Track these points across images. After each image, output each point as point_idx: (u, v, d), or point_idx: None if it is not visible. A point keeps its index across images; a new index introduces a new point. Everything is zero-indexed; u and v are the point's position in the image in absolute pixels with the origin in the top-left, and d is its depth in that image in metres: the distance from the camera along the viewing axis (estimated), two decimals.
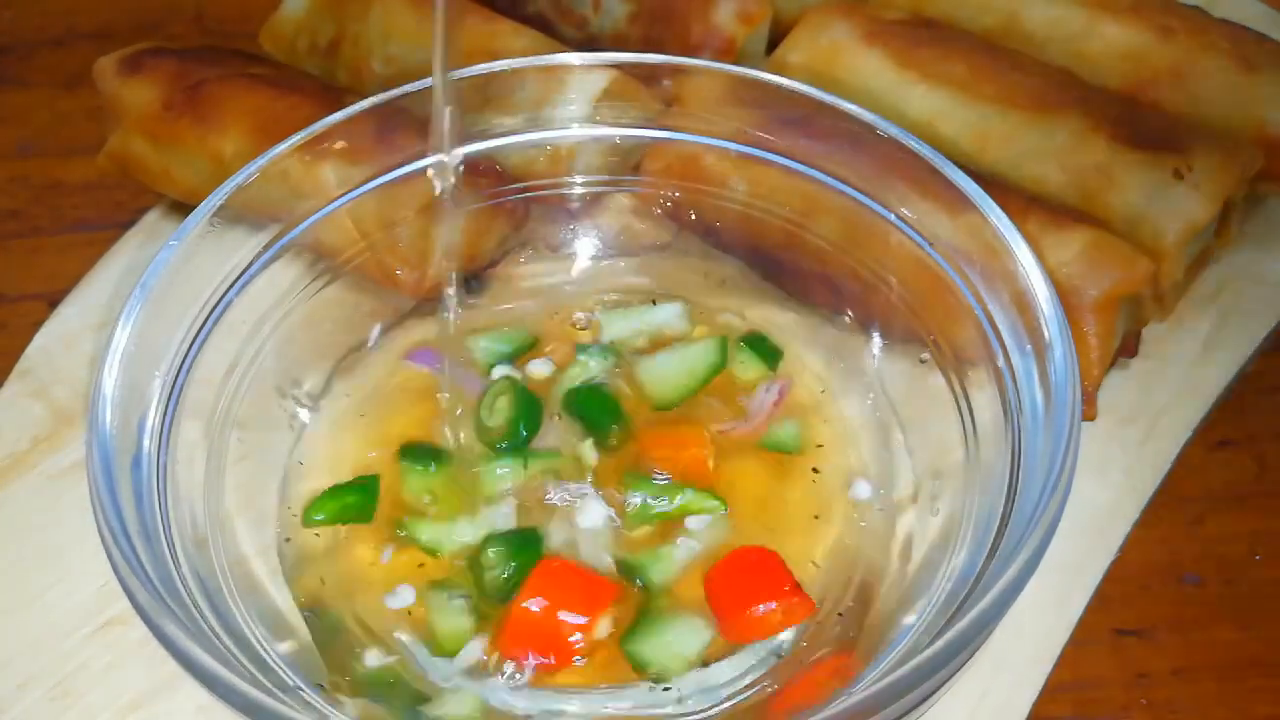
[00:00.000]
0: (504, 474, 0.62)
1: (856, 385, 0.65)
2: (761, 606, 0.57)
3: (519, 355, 0.68)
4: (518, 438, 0.63)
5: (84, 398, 0.70)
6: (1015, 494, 0.53)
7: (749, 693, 0.56)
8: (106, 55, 0.76)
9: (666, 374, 0.65)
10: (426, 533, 0.61)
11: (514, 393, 0.65)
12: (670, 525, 0.60)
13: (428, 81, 0.64)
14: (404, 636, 0.58)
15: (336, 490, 0.62)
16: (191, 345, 0.60)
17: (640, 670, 0.56)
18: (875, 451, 0.63)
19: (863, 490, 0.62)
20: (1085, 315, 0.64)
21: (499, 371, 0.66)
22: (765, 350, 0.66)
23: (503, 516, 0.61)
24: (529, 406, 0.64)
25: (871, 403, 0.65)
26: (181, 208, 0.77)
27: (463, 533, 0.61)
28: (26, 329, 0.74)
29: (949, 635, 0.46)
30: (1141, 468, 0.66)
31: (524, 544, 0.60)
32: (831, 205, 0.65)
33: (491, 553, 0.59)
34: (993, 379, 0.58)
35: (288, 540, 0.61)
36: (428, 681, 0.57)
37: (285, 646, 0.56)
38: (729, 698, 0.56)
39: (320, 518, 0.61)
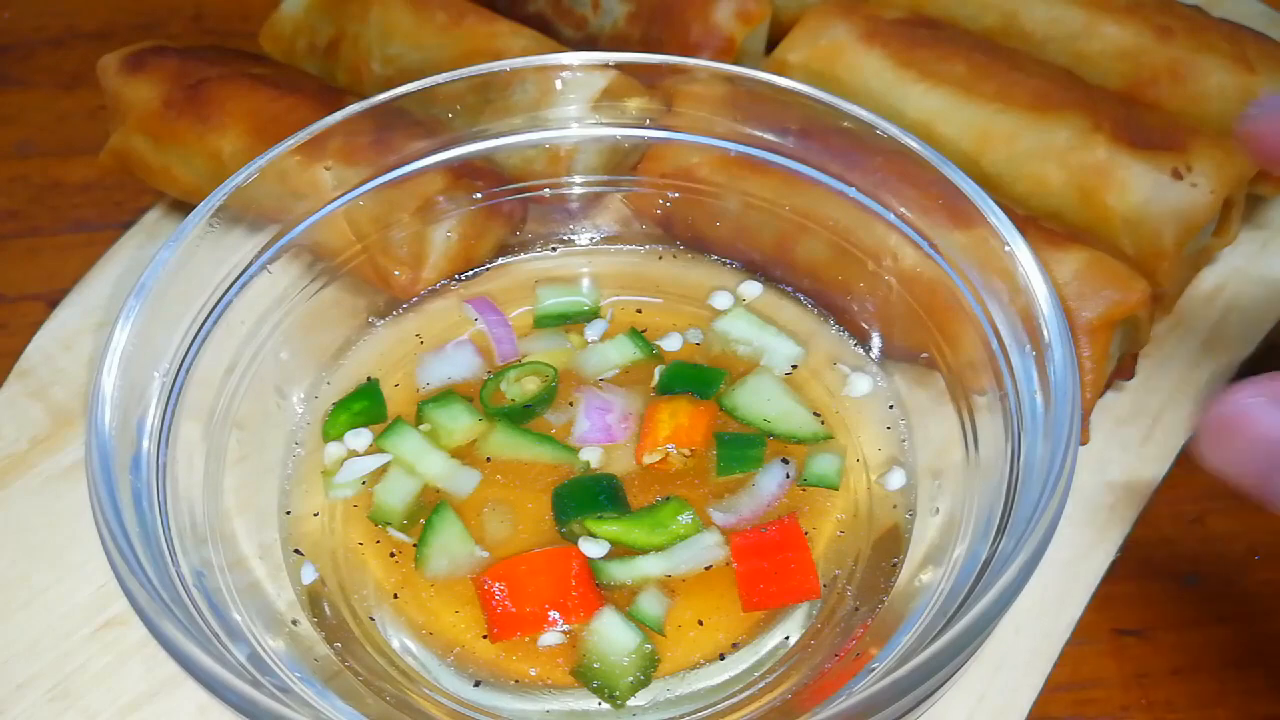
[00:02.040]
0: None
1: (856, 385, 0.65)
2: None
3: (573, 322, 0.69)
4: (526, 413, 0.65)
5: (83, 398, 0.70)
6: (1015, 494, 0.53)
7: (756, 687, 0.56)
8: (109, 53, 0.76)
9: (764, 398, 0.65)
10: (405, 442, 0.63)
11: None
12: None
13: (426, 82, 0.64)
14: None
15: (342, 403, 0.65)
16: (191, 345, 0.60)
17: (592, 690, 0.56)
18: (875, 452, 0.63)
19: (863, 490, 0.62)
20: (1079, 338, 0.63)
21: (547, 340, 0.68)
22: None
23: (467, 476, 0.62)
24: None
25: (871, 403, 0.65)
26: (181, 207, 0.77)
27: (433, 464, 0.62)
28: (26, 329, 0.74)
29: (949, 635, 0.46)
30: (1141, 468, 0.66)
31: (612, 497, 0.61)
32: (831, 206, 0.65)
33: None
34: (993, 379, 0.58)
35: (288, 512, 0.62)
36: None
37: (284, 646, 0.56)
38: (736, 692, 0.56)
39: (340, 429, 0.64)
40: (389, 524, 0.61)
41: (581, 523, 0.60)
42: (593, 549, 0.59)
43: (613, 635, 0.57)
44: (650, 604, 0.58)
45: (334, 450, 0.64)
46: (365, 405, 0.65)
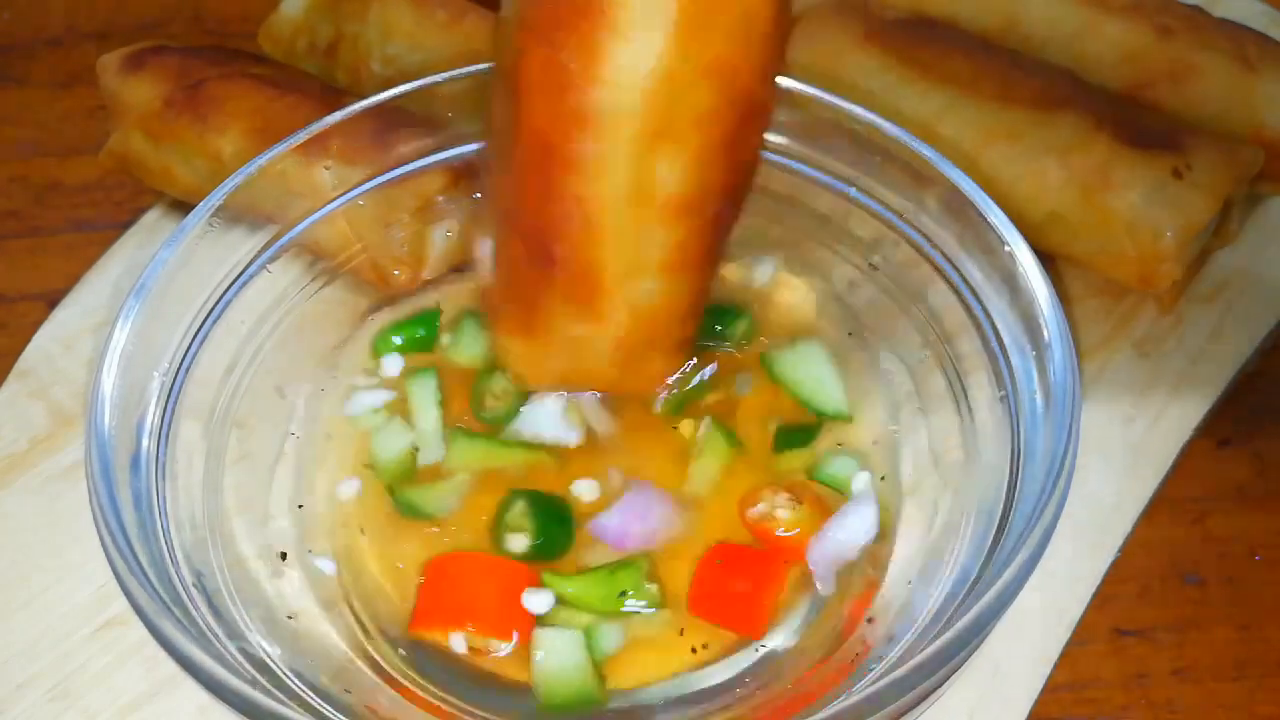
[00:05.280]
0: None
1: (856, 386, 0.65)
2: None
3: None
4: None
5: (83, 398, 0.70)
6: (1015, 494, 0.53)
7: (752, 687, 0.56)
8: (109, 53, 0.76)
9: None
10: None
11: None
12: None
13: (426, 82, 0.64)
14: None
15: (397, 325, 0.67)
16: (190, 345, 0.60)
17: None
18: (875, 451, 0.63)
19: (863, 490, 0.62)
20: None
21: None
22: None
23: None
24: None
25: (870, 403, 0.65)
26: (181, 207, 0.77)
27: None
28: (26, 329, 0.74)
29: (949, 635, 0.46)
30: (1142, 468, 0.66)
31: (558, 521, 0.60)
32: (831, 205, 0.65)
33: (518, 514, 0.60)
34: (993, 379, 0.58)
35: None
36: None
37: (284, 646, 0.56)
38: (736, 693, 0.56)
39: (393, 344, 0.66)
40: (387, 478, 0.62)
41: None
42: (538, 602, 0.57)
43: (557, 657, 0.56)
44: (605, 638, 0.57)
45: (364, 375, 0.65)
46: (417, 332, 0.66)
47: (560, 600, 0.57)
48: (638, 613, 0.57)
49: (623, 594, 0.57)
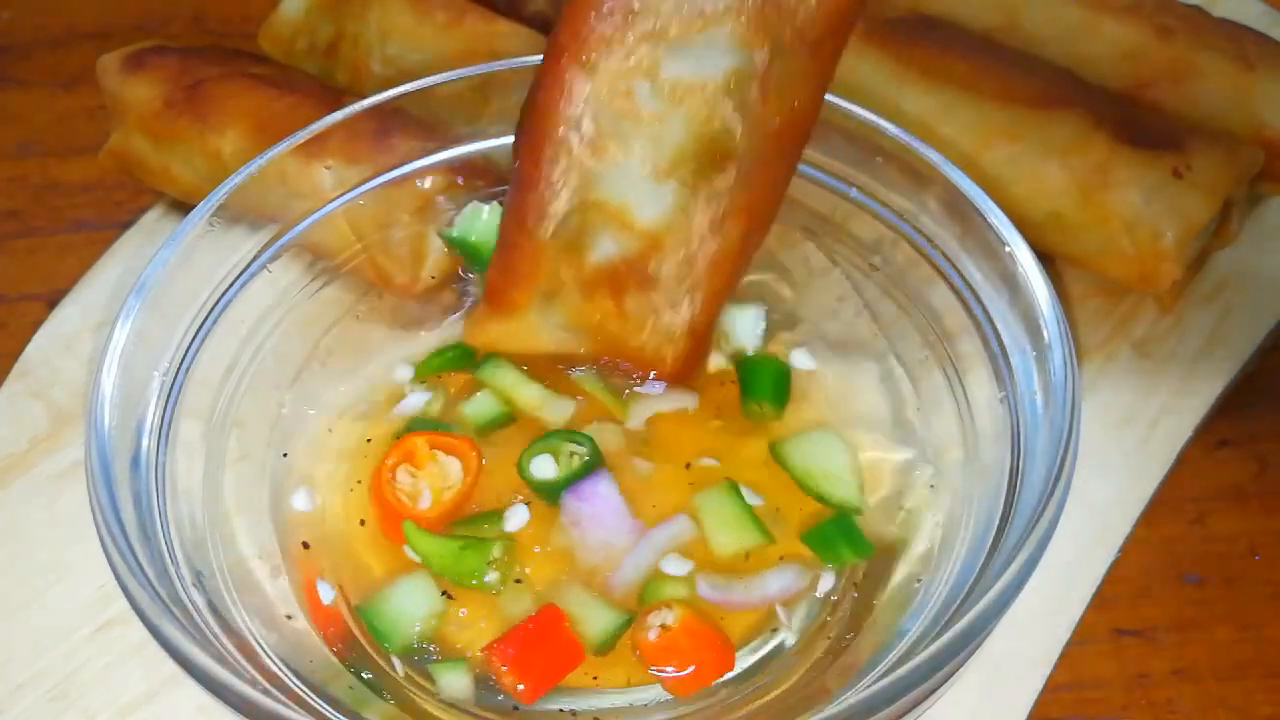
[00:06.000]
0: None
1: (855, 386, 0.65)
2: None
3: None
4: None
5: (83, 398, 0.70)
6: (1015, 494, 0.53)
7: (756, 686, 0.56)
8: (109, 53, 0.76)
9: None
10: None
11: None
12: None
13: (426, 82, 0.64)
14: None
15: (438, 351, 0.66)
16: (190, 345, 0.60)
17: None
18: (874, 452, 0.63)
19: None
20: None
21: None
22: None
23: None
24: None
25: (870, 403, 0.65)
26: (181, 207, 0.77)
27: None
28: (25, 329, 0.74)
29: (949, 635, 0.46)
30: (1142, 468, 0.66)
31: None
32: (831, 205, 0.65)
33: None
34: (993, 379, 0.58)
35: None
36: None
37: (284, 646, 0.56)
38: (736, 691, 0.56)
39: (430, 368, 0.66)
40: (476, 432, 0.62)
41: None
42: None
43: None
44: None
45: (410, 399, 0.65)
46: (457, 354, 0.66)
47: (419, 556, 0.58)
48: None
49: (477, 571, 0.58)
